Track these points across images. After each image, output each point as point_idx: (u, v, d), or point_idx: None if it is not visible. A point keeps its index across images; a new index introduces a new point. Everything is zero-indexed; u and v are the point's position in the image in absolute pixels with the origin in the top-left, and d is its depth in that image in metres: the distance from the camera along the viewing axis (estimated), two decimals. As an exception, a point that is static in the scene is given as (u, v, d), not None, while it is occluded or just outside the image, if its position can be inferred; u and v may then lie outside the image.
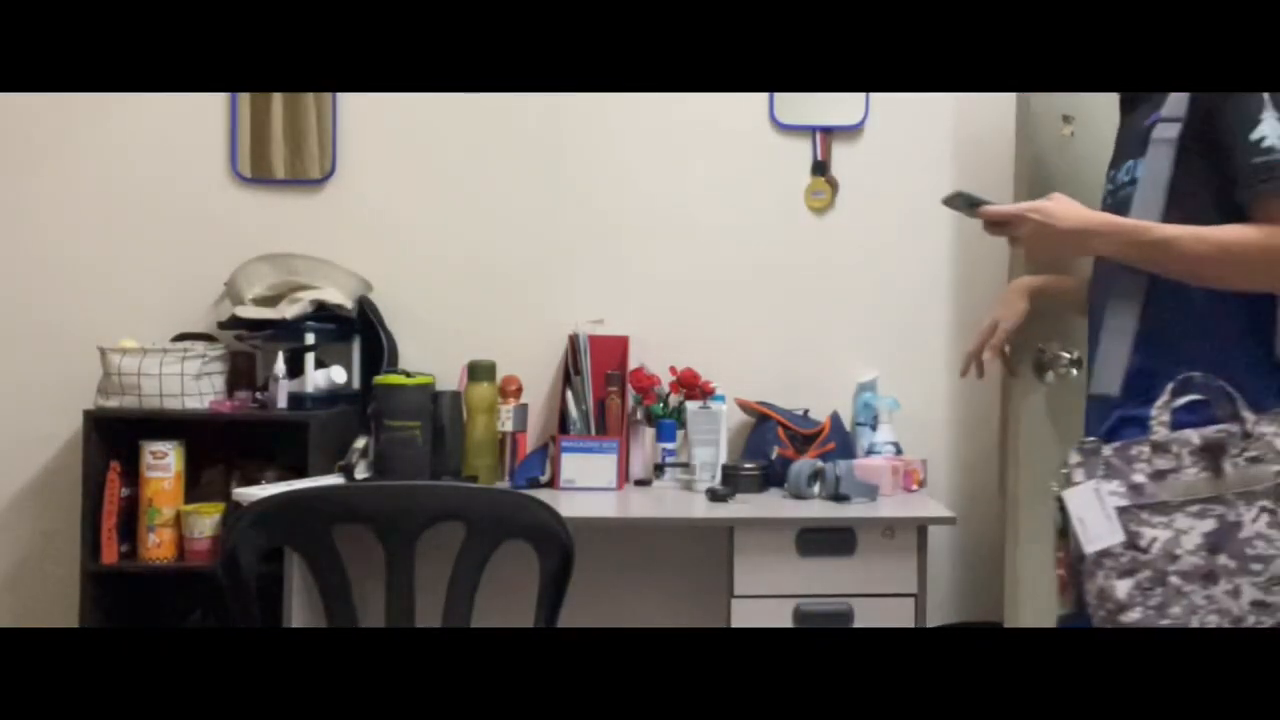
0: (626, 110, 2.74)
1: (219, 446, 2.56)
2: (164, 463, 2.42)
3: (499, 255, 2.73)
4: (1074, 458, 1.56)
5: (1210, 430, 1.49)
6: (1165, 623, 1.45)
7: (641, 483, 2.58)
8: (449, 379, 2.58)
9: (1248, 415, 1.48)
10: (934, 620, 2.41)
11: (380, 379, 2.42)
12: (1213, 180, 1.53)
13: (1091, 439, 1.57)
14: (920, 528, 2.21)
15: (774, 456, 2.52)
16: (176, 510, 2.43)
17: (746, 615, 2.16)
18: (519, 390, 2.57)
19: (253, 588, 1.55)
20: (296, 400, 2.46)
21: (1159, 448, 1.50)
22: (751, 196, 2.76)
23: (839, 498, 2.33)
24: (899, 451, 2.57)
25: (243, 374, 2.61)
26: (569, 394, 2.57)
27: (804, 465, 2.40)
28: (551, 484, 2.47)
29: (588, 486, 2.46)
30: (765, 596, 2.16)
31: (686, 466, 2.54)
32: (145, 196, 2.73)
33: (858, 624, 2.15)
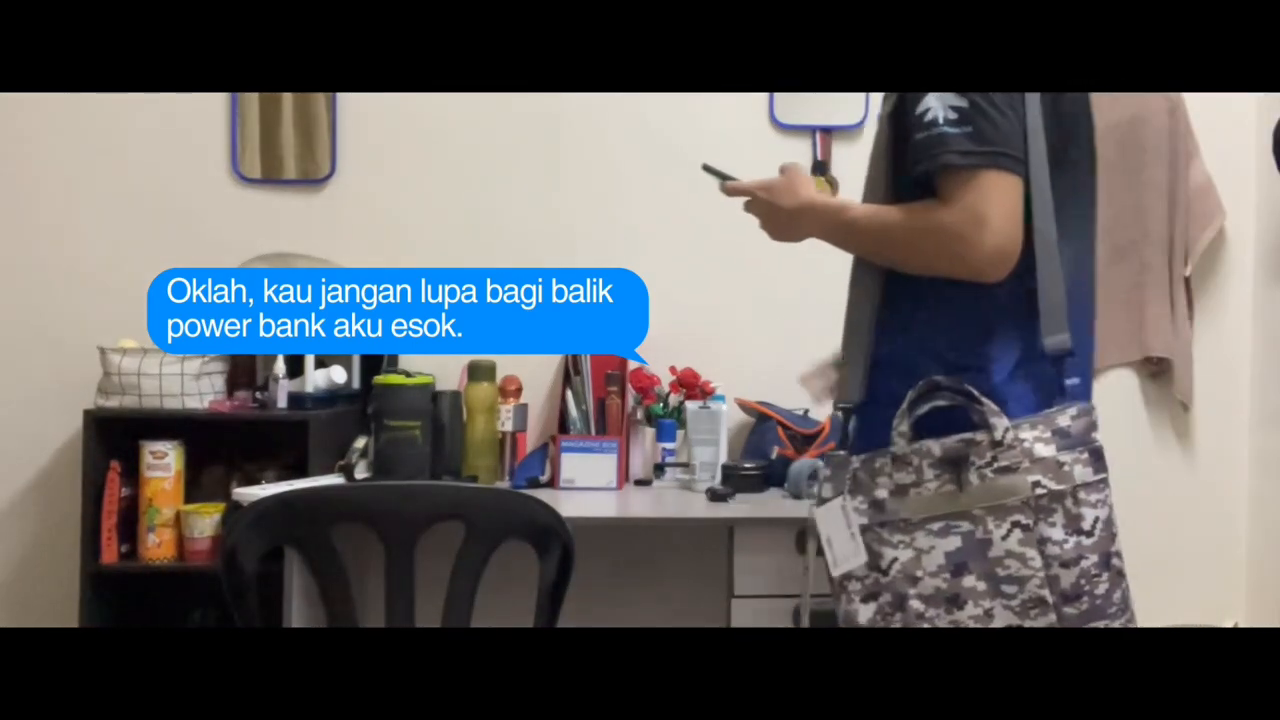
0: (626, 110, 2.74)
1: (219, 446, 2.56)
2: (164, 463, 2.42)
3: (498, 255, 2.73)
4: (824, 470, 1.45)
5: (951, 440, 1.36)
6: None
7: (641, 483, 2.58)
8: (449, 379, 2.58)
9: (996, 421, 1.34)
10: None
11: (380, 379, 2.41)
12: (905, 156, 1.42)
13: (840, 451, 1.45)
14: (920, 528, 2.20)
15: (774, 456, 2.52)
16: (176, 510, 2.43)
17: (746, 615, 2.15)
18: (519, 390, 2.56)
19: (253, 588, 1.55)
20: (296, 400, 2.46)
21: (899, 460, 1.38)
22: (751, 196, 2.76)
23: (839, 498, 2.32)
24: (899, 451, 2.57)
25: (243, 373, 2.61)
26: (569, 394, 2.57)
27: (804, 465, 2.40)
28: (551, 484, 2.47)
29: (588, 486, 2.46)
30: (765, 596, 2.16)
31: (686, 466, 2.54)
32: (145, 196, 2.73)
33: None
